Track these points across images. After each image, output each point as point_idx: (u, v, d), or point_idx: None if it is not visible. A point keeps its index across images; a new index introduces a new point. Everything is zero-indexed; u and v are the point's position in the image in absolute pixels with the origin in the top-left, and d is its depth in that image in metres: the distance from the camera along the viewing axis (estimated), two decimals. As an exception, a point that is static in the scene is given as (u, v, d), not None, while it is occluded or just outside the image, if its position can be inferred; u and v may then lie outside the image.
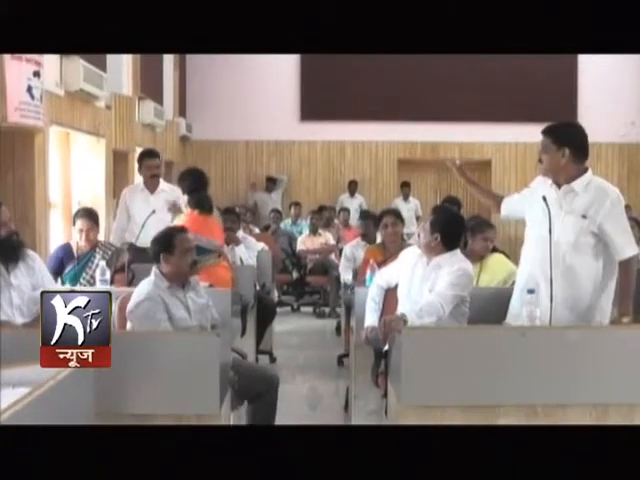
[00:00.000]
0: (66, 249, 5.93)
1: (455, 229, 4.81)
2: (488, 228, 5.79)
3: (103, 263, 5.59)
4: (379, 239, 7.30)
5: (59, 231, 8.18)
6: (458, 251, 4.78)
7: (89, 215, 5.99)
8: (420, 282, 4.70)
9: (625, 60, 14.81)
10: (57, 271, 5.71)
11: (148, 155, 7.32)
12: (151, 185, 7.09)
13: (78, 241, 5.90)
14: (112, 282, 5.63)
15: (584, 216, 4.30)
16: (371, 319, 4.92)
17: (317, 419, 6.07)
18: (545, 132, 4.44)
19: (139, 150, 11.62)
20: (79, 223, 5.87)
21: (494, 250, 5.97)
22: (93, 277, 5.75)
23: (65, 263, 5.83)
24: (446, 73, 14.88)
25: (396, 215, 6.79)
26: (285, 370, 7.67)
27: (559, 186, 4.38)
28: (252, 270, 7.16)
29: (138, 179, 11.68)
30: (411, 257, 4.89)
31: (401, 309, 4.64)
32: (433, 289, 4.58)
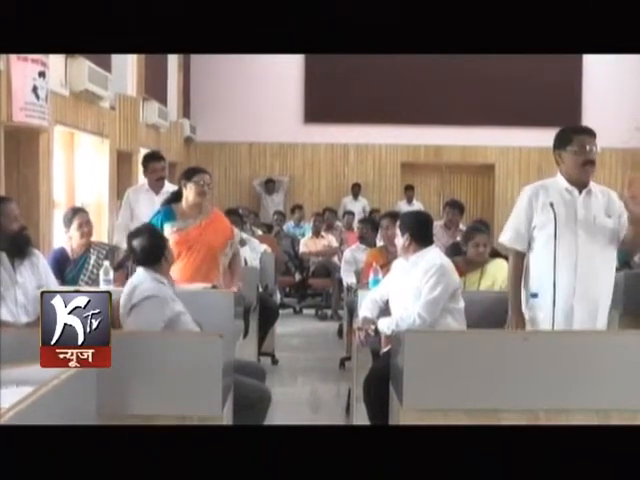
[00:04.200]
0: (62, 253, 5.91)
1: (421, 225, 4.93)
2: (477, 233, 5.79)
3: (107, 263, 5.58)
4: (380, 242, 7.31)
5: (63, 231, 8.18)
6: (433, 246, 4.89)
7: (82, 210, 6.05)
8: (405, 284, 4.80)
9: (630, 66, 14.81)
10: (58, 275, 5.69)
11: (153, 158, 7.33)
12: (156, 187, 7.10)
13: (72, 243, 5.89)
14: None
15: (609, 216, 4.43)
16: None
17: (318, 421, 6.06)
18: (594, 134, 4.47)
19: (143, 151, 11.69)
20: (77, 218, 5.85)
21: (496, 255, 5.97)
22: (91, 278, 5.75)
23: (62, 266, 5.82)
24: (450, 77, 14.90)
25: (394, 217, 6.79)
26: (287, 372, 7.69)
27: (579, 189, 4.44)
28: (255, 272, 7.17)
29: (142, 180, 11.73)
30: (399, 267, 4.99)
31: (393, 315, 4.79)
32: (411, 285, 4.70)
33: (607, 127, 14.53)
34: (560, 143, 4.49)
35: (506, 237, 4.60)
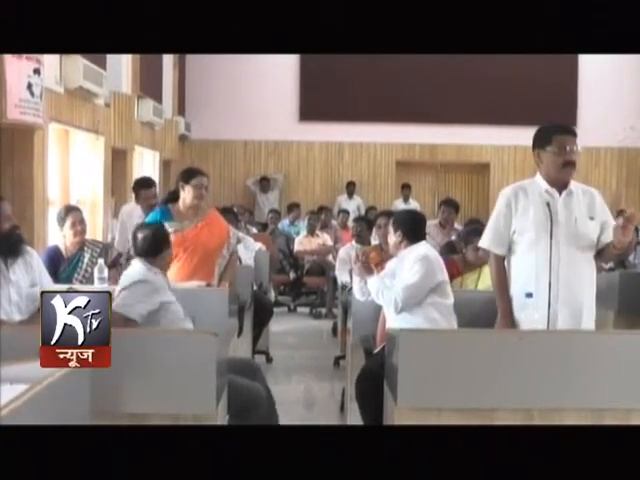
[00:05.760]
0: (56, 251, 5.91)
1: (414, 223, 5.01)
2: (477, 237, 5.78)
3: (101, 261, 5.59)
4: (375, 241, 7.31)
5: (57, 228, 8.17)
6: (423, 242, 4.94)
7: (75, 209, 6.06)
8: (395, 276, 4.88)
9: (625, 64, 14.83)
10: (52, 273, 5.67)
11: (144, 185, 7.29)
12: (149, 212, 7.08)
13: (66, 242, 5.88)
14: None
15: (591, 217, 4.32)
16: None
17: (313, 420, 6.07)
18: (575, 134, 4.35)
19: (138, 148, 11.71)
20: (70, 217, 5.85)
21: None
22: (85, 277, 5.75)
23: (56, 264, 5.81)
24: (446, 76, 14.90)
25: (390, 216, 6.79)
26: (281, 370, 7.68)
27: (559, 190, 4.34)
28: (250, 270, 7.17)
29: (137, 175, 11.70)
30: (391, 265, 5.04)
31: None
32: (400, 277, 4.78)
33: (602, 126, 14.64)
34: (539, 143, 4.35)
35: (485, 240, 4.51)
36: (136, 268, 4.62)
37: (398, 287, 4.70)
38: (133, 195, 7.46)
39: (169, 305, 4.54)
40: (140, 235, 4.70)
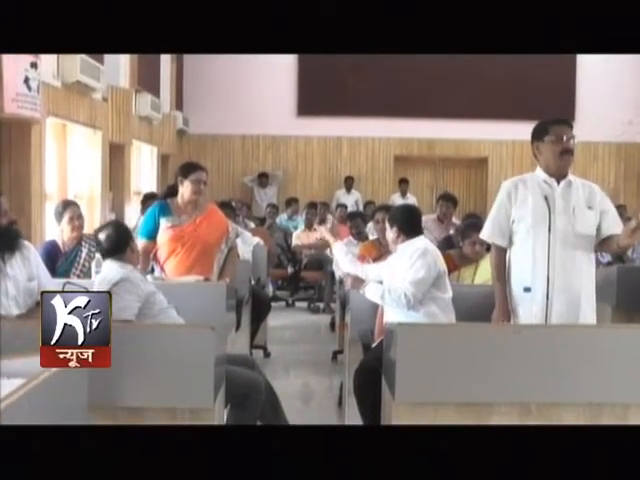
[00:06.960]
0: (53, 245, 5.90)
1: (409, 217, 5.01)
2: (474, 232, 5.79)
3: (99, 256, 5.58)
4: (372, 235, 7.31)
5: (54, 223, 8.16)
6: (421, 237, 4.95)
7: (73, 204, 6.05)
8: (394, 271, 4.88)
9: (623, 60, 14.81)
10: (49, 268, 5.67)
11: (153, 199, 7.32)
12: None
13: (63, 236, 5.87)
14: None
15: (590, 207, 4.40)
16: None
17: (310, 414, 6.08)
18: (571, 125, 4.49)
19: (136, 143, 11.69)
20: (68, 212, 5.85)
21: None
22: (82, 271, 5.74)
23: (54, 259, 5.80)
24: (444, 70, 14.88)
25: (387, 211, 6.80)
26: (279, 365, 7.69)
27: (558, 181, 4.42)
28: (247, 265, 7.17)
29: (134, 172, 11.68)
30: (391, 259, 5.06)
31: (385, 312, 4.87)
32: (399, 272, 4.78)
33: (600, 121, 14.62)
34: (537, 135, 4.50)
35: (486, 232, 4.62)
36: (111, 269, 4.60)
37: (405, 283, 4.69)
38: (140, 207, 7.48)
39: (153, 296, 4.55)
40: (102, 236, 4.69)
